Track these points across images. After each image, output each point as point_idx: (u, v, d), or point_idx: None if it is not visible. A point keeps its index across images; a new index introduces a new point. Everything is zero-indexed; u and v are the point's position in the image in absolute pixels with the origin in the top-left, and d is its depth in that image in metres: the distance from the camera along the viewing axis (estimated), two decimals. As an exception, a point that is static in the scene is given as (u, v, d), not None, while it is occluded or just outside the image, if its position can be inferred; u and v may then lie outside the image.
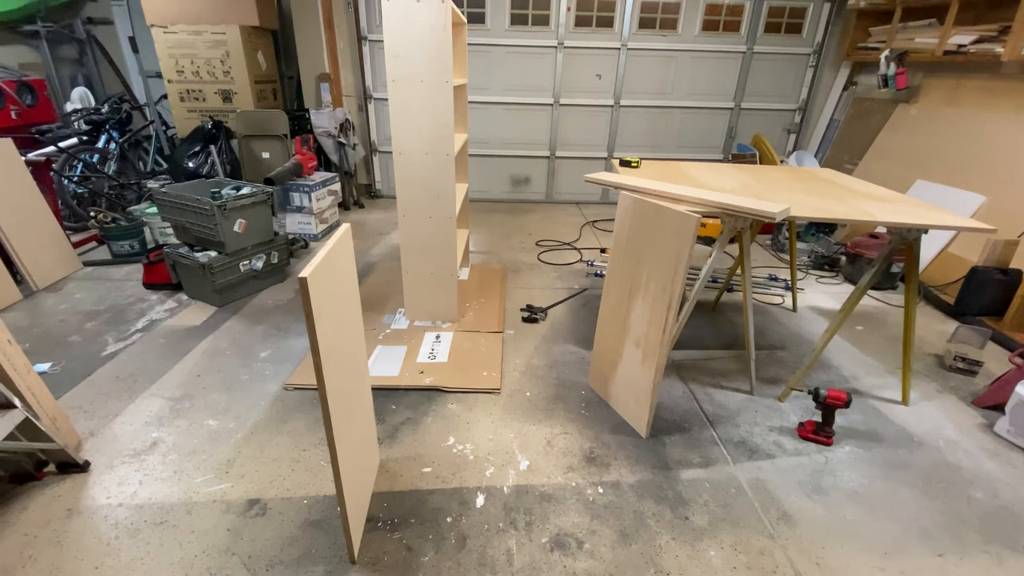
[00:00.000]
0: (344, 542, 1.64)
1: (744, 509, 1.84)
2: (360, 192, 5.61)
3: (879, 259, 2.19)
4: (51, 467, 1.91)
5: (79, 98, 5.33)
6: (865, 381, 2.62)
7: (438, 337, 2.87)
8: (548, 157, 5.68)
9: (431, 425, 2.21)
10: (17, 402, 1.71)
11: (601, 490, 1.90)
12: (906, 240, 2.16)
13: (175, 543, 1.64)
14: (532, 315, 3.13)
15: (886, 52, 4.31)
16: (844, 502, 1.88)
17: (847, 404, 2.07)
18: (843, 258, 3.99)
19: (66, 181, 4.28)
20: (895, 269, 3.67)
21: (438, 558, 1.63)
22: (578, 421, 2.27)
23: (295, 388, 2.42)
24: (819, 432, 2.16)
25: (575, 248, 4.42)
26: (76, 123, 4.88)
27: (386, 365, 2.59)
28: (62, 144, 4.25)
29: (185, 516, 1.74)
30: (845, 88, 5.15)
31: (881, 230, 3.90)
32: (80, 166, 4.52)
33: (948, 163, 3.89)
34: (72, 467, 1.91)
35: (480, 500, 1.84)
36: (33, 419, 1.74)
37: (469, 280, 3.62)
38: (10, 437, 1.69)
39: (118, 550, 1.62)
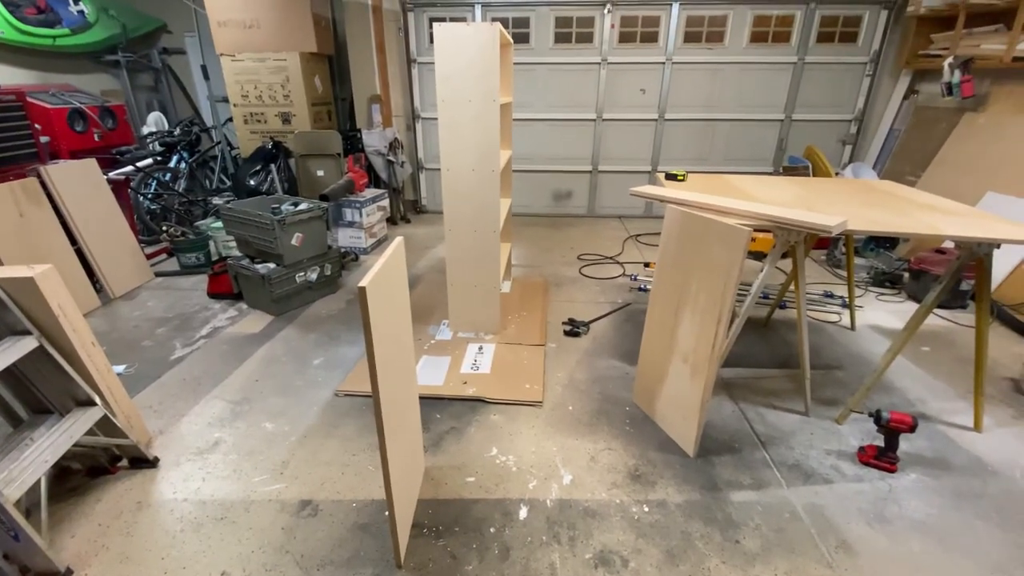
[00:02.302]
0: (391, 546, 1.68)
1: (799, 535, 1.76)
2: (407, 207, 5.79)
3: (947, 275, 2.07)
4: (124, 462, 2.06)
5: (154, 122, 5.78)
6: (932, 405, 2.46)
7: (481, 349, 2.91)
8: (590, 172, 5.70)
9: (474, 435, 2.24)
10: (98, 400, 1.86)
11: (647, 508, 1.86)
12: (976, 255, 2.03)
13: (234, 538, 1.73)
14: (574, 329, 3.13)
15: (950, 59, 4.11)
16: (910, 533, 1.77)
17: (913, 429, 1.95)
18: (906, 274, 3.79)
19: (142, 198, 4.64)
20: (964, 286, 3.45)
21: (482, 568, 1.63)
22: (622, 437, 2.23)
23: (346, 394, 2.51)
24: (881, 457, 2.04)
25: (618, 262, 4.39)
26: (151, 145, 5.29)
27: (431, 374, 2.65)
28: (139, 164, 4.61)
29: (243, 513, 1.83)
30: (905, 97, 4.93)
31: (949, 245, 3.68)
32: (154, 184, 4.89)
33: (1021, 174, 3.63)
34: (143, 463, 2.05)
35: (523, 512, 1.84)
36: (111, 416, 1.89)
37: (511, 293, 3.66)
38: (90, 432, 1.83)
39: (182, 542, 1.72)
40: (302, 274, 3.41)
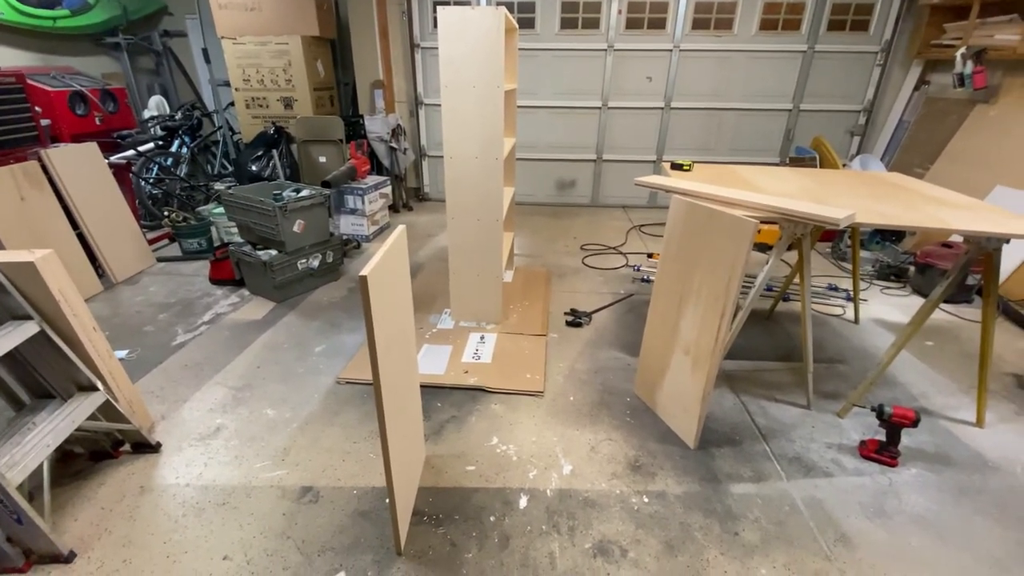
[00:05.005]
0: (391, 533, 1.69)
1: (798, 528, 1.76)
2: (409, 195, 5.75)
3: (954, 270, 2.05)
4: (127, 447, 2.07)
5: (155, 105, 5.74)
6: (935, 400, 2.45)
7: (482, 338, 2.90)
8: (595, 160, 5.65)
9: (475, 424, 2.24)
10: (100, 385, 1.86)
11: (646, 499, 1.87)
12: (985, 250, 2.01)
13: (236, 524, 1.74)
14: (576, 319, 3.12)
15: (962, 49, 4.03)
16: (909, 527, 1.77)
17: (915, 423, 1.95)
18: (911, 268, 3.76)
19: (143, 182, 4.62)
20: (970, 281, 3.42)
21: (481, 556, 1.64)
22: (623, 428, 2.24)
23: (347, 382, 2.51)
24: (883, 452, 2.04)
25: (621, 252, 4.36)
26: (153, 129, 5.26)
27: (432, 363, 2.64)
28: (140, 148, 4.58)
29: (245, 499, 1.84)
30: (916, 88, 4.85)
31: (956, 239, 3.64)
32: (155, 169, 4.87)
33: (1034, 168, 3.59)
34: (145, 447, 2.06)
35: (523, 501, 1.85)
36: (113, 401, 1.89)
37: (513, 283, 3.65)
38: (92, 417, 1.84)
39: (184, 527, 1.73)
40: (304, 261, 3.40)
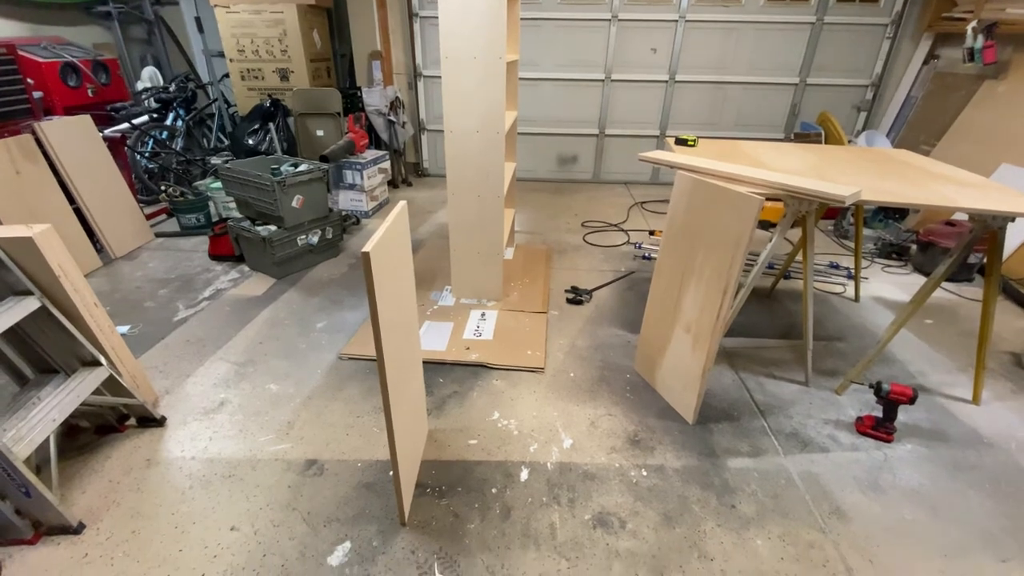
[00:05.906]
0: (395, 504, 1.73)
1: (794, 501, 1.80)
2: (408, 170, 5.68)
3: (959, 248, 2.04)
4: (132, 421, 2.09)
5: (148, 77, 5.61)
6: (932, 377, 2.47)
7: (483, 315, 2.91)
8: (597, 135, 5.56)
9: (477, 399, 2.26)
10: (103, 360, 1.87)
11: (645, 473, 1.90)
12: (990, 229, 1.99)
13: (242, 495, 1.77)
14: (577, 297, 3.12)
15: (973, 23, 3.93)
16: (903, 501, 1.81)
17: (912, 400, 1.97)
18: (913, 246, 3.74)
19: (139, 156, 4.55)
20: (971, 259, 3.41)
21: (483, 526, 1.68)
22: (623, 404, 2.26)
23: (349, 358, 2.52)
24: (879, 428, 2.07)
25: (622, 230, 4.34)
26: (146, 101, 5.15)
27: (434, 340, 2.66)
28: (135, 121, 4.50)
29: (251, 471, 1.87)
30: (925, 62, 4.75)
31: (959, 217, 3.62)
32: (151, 142, 4.79)
33: (1041, 145, 3.54)
34: (150, 421, 2.08)
35: (524, 474, 1.88)
36: (117, 376, 1.90)
37: (514, 260, 3.63)
38: (97, 392, 1.85)
39: (192, 498, 1.76)
40: (303, 237, 3.38)
